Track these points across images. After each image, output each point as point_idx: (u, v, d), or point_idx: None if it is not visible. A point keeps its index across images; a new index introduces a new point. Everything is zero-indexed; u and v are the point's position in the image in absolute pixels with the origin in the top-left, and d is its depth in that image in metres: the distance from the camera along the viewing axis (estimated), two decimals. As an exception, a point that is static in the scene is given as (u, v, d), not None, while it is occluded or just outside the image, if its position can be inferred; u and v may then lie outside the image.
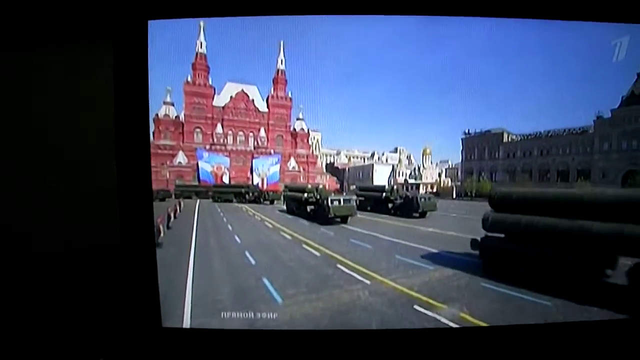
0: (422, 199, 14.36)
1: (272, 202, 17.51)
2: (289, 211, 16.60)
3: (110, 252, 5.61)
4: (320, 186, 15.36)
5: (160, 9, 5.46)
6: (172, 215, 12.79)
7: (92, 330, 5.70)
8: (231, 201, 17.16)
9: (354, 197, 14.37)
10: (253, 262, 9.24)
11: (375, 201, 15.58)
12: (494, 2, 6.00)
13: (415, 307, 6.54)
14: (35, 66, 5.13)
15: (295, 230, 13.48)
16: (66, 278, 5.66)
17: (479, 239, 8.23)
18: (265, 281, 7.66)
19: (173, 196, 15.33)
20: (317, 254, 10.08)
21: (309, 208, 15.31)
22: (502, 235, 7.98)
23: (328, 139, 18.36)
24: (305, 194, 15.56)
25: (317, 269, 8.79)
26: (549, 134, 12.33)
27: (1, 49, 4.98)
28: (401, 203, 15.01)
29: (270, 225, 14.80)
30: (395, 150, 17.99)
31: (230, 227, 14.10)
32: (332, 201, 14.24)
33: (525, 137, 13.16)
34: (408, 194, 15.09)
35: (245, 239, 11.41)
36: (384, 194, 15.57)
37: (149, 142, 6.12)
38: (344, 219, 14.22)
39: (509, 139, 13.34)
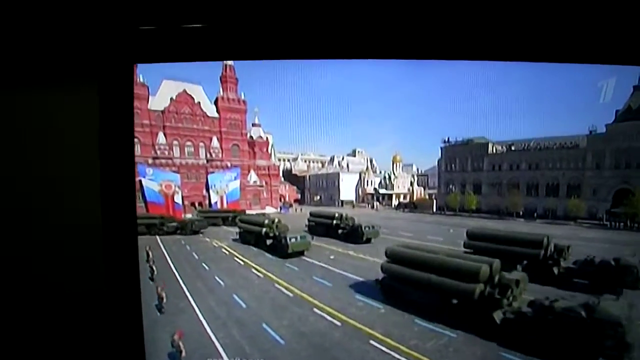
0: (635, 269, 8.47)
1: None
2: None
3: (94, 299, 5.47)
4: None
5: (147, 54, 5.53)
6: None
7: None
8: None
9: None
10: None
11: (527, 259, 9.02)
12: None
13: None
14: (26, 104, 5.30)
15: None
16: (47, 324, 5.46)
17: None
18: None
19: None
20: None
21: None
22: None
23: (280, 142, 16.10)
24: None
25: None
26: (538, 147, 11.79)
27: None
28: (590, 271, 8.84)
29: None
30: (354, 153, 16.57)
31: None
32: None
33: (511, 149, 12.42)
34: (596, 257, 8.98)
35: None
36: (541, 253, 9.13)
37: (134, 181, 6.06)
38: None
39: (494, 150, 12.66)
